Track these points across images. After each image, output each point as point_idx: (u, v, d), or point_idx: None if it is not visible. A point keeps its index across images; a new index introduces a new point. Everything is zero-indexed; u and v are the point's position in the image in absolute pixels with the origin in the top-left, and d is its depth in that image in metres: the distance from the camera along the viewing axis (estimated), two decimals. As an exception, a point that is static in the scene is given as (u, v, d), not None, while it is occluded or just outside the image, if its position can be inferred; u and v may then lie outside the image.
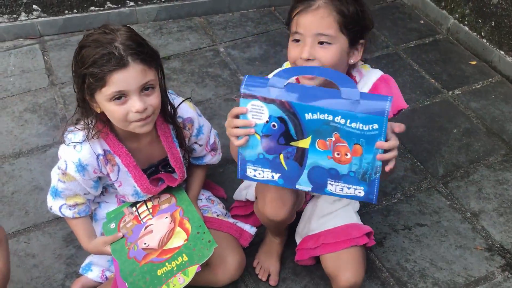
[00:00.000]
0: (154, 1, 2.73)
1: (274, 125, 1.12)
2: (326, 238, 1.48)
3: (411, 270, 1.65)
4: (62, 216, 1.50)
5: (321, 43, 1.22)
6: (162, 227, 1.46)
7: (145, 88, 1.26)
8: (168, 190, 1.55)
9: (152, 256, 1.39)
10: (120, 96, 1.23)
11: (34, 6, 2.59)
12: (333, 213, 1.52)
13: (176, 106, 1.45)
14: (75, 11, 2.65)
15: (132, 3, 2.71)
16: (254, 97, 1.10)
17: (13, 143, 2.08)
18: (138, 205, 1.54)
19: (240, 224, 1.59)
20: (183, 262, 1.35)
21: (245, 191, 1.63)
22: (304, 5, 1.22)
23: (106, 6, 2.68)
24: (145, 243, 1.43)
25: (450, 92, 2.35)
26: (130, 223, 1.50)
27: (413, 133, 2.14)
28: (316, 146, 1.12)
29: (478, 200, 1.88)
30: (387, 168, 1.11)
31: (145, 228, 1.47)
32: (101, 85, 1.21)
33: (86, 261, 1.59)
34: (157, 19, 2.78)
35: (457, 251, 1.70)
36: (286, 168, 1.17)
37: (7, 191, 1.89)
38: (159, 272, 1.35)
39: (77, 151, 1.37)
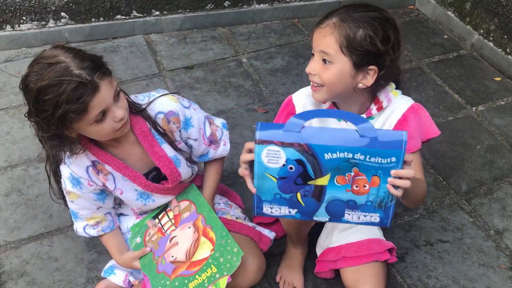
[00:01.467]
0: (179, 11, 2.77)
1: (291, 168, 1.12)
2: (347, 252, 1.47)
3: (432, 286, 1.63)
4: (89, 236, 1.52)
5: (324, 60, 1.26)
6: (186, 238, 1.46)
7: (114, 97, 1.24)
8: (186, 195, 1.55)
9: (181, 269, 1.39)
10: (103, 114, 1.22)
11: (62, 14, 2.64)
12: (356, 226, 1.51)
13: (150, 101, 1.41)
14: (101, 19, 2.70)
15: (157, 13, 2.75)
16: (270, 142, 1.10)
17: (38, 147, 2.11)
18: (160, 216, 1.55)
19: (259, 228, 1.58)
20: (213, 274, 1.35)
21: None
22: (320, 21, 1.28)
23: (132, 15, 2.72)
24: (172, 256, 1.43)
25: (474, 108, 2.33)
26: (155, 236, 1.51)
27: (436, 149, 2.12)
28: (335, 182, 1.14)
29: (502, 217, 1.85)
30: (394, 192, 1.12)
31: (170, 240, 1.47)
32: (84, 114, 1.19)
33: (109, 264, 1.60)
34: (182, 29, 2.82)
35: (480, 269, 1.68)
36: (303, 204, 1.18)
37: (32, 194, 1.92)
38: (191, 285, 1.36)
39: (67, 165, 1.37)
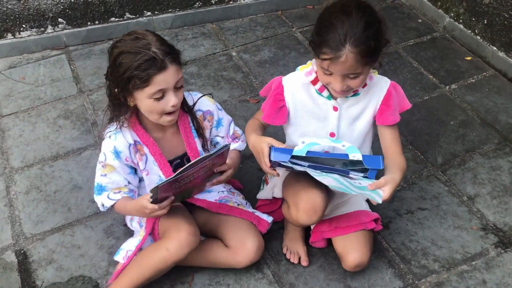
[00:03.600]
0: (169, 10, 2.93)
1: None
2: (338, 222, 1.69)
3: (414, 249, 1.85)
4: (113, 201, 1.63)
5: (350, 76, 1.45)
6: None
7: (176, 86, 1.48)
8: None
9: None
10: (160, 94, 1.46)
11: (60, 19, 2.80)
12: (345, 200, 1.73)
13: (195, 100, 1.67)
14: (97, 22, 2.86)
15: (149, 13, 2.91)
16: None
17: (50, 147, 2.30)
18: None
19: (258, 213, 1.79)
20: None
21: (271, 191, 1.84)
22: (332, 55, 1.39)
23: (125, 16, 2.88)
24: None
25: (447, 87, 2.55)
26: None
27: (413, 126, 2.34)
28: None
29: (473, 185, 2.08)
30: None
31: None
32: (145, 85, 1.43)
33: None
34: (173, 27, 2.99)
35: (455, 231, 1.91)
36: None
37: (50, 190, 2.11)
38: None
39: (112, 140, 1.59)
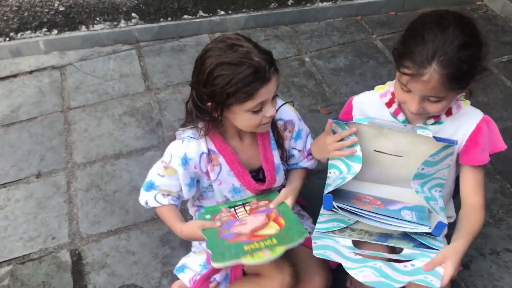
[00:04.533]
0: (243, 10, 2.83)
1: None
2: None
3: (498, 296, 1.64)
4: (158, 205, 1.54)
5: (430, 99, 1.26)
6: (256, 221, 1.48)
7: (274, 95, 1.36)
8: (267, 197, 1.58)
9: (242, 237, 1.39)
10: (260, 107, 1.33)
11: (133, 14, 2.76)
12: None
13: (278, 107, 1.50)
14: (169, 19, 2.81)
15: (222, 12, 2.82)
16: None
17: (113, 144, 2.26)
18: (236, 207, 1.58)
19: None
20: (272, 244, 1.35)
21: None
22: (414, 71, 1.21)
23: (198, 14, 2.81)
24: (238, 230, 1.44)
25: (545, 112, 2.27)
26: (226, 217, 1.53)
27: (503, 154, 2.07)
28: None
29: None
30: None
31: (240, 222, 1.49)
32: (249, 99, 1.30)
33: (181, 262, 1.69)
34: (245, 28, 2.88)
35: (548, 281, 1.67)
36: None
37: (109, 190, 2.06)
38: (246, 247, 1.34)
39: (184, 145, 1.46)
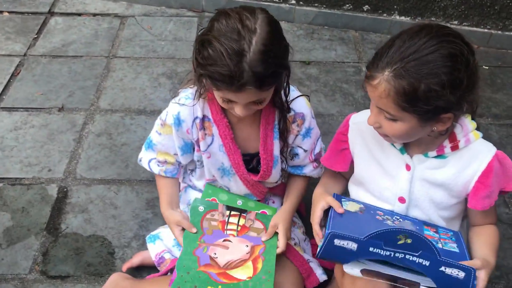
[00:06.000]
0: (315, 4, 2.69)
1: None
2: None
3: None
4: (149, 170, 1.51)
5: (385, 115, 1.08)
6: (237, 252, 1.39)
7: (255, 102, 1.23)
8: (266, 219, 1.48)
9: (212, 270, 1.35)
10: (229, 102, 1.24)
11: (205, -17, 2.72)
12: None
13: (293, 98, 1.38)
14: (239, -4, 2.74)
15: (293, 1, 2.70)
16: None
17: (141, 100, 2.22)
18: (232, 213, 1.49)
19: (313, 264, 1.46)
20: None
21: None
22: (370, 72, 1.06)
23: (269, -1, 2.72)
24: (215, 254, 1.38)
25: None
26: (216, 223, 1.46)
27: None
28: None
29: None
30: None
31: (224, 240, 1.42)
32: (214, 87, 1.21)
33: (156, 231, 1.59)
34: (313, 23, 2.74)
35: None
36: None
37: (119, 141, 2.02)
38: None
39: (179, 104, 1.37)
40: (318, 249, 1.13)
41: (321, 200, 1.22)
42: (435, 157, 1.17)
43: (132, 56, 2.46)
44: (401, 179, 1.21)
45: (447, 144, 1.16)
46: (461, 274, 1.04)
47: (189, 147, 1.46)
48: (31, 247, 1.63)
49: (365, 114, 1.26)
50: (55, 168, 1.89)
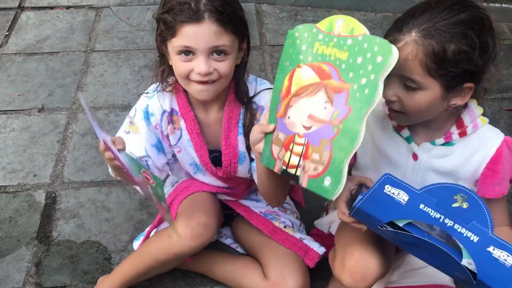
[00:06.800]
0: (296, -15, 2.62)
1: None
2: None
3: None
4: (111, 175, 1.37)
5: (406, 85, 1.02)
6: None
7: (216, 52, 1.17)
8: None
9: None
10: (188, 52, 1.16)
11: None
12: (421, 269, 1.30)
13: (258, 91, 1.32)
14: (218, -21, 2.64)
15: (274, -17, 2.63)
16: None
17: (124, 95, 2.14)
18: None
19: (307, 241, 1.42)
20: None
21: (327, 225, 1.44)
22: (392, 36, 1.01)
23: (248, -20, 2.63)
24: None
25: None
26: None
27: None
28: None
29: None
30: None
31: None
32: (171, 34, 1.15)
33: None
34: (296, 4, 2.67)
35: None
36: None
37: (106, 140, 1.94)
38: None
39: (147, 97, 1.32)
40: (356, 202, 0.98)
41: (348, 181, 1.09)
42: (443, 144, 1.13)
43: (111, 49, 2.36)
44: (408, 168, 1.17)
45: (454, 131, 1.12)
46: (509, 260, 0.90)
47: (161, 145, 1.36)
48: (22, 259, 1.56)
49: None
50: (40, 173, 1.81)
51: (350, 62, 0.94)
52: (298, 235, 1.43)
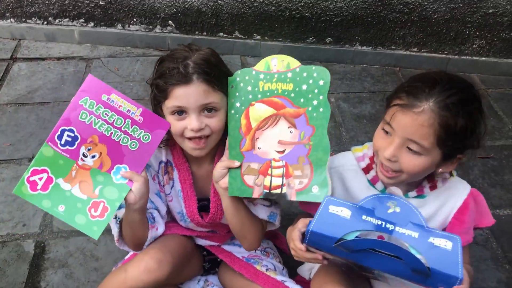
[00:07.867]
0: (280, 38, 2.76)
1: None
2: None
3: None
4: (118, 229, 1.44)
5: (409, 148, 1.09)
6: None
7: (207, 109, 1.25)
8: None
9: None
10: (181, 112, 1.24)
11: (170, 22, 2.75)
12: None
13: None
14: (205, 33, 2.77)
15: (258, 37, 2.76)
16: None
17: (114, 144, 2.19)
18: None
19: (289, 283, 1.45)
20: None
21: (308, 272, 1.50)
22: (408, 100, 1.07)
23: (234, 34, 2.76)
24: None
25: None
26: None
27: (518, 242, 1.88)
28: None
29: None
30: None
31: None
32: (164, 96, 1.23)
33: None
34: (278, 56, 2.80)
35: None
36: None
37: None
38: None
39: None
40: (307, 227, 1.07)
41: (299, 223, 1.16)
42: (415, 197, 1.21)
43: (101, 100, 2.44)
44: None
45: (426, 185, 1.21)
46: (449, 245, 1.01)
47: (161, 196, 1.44)
48: (10, 310, 1.57)
49: (344, 157, 1.29)
50: (30, 223, 1.84)
51: (297, 91, 1.17)
52: (279, 278, 1.47)
